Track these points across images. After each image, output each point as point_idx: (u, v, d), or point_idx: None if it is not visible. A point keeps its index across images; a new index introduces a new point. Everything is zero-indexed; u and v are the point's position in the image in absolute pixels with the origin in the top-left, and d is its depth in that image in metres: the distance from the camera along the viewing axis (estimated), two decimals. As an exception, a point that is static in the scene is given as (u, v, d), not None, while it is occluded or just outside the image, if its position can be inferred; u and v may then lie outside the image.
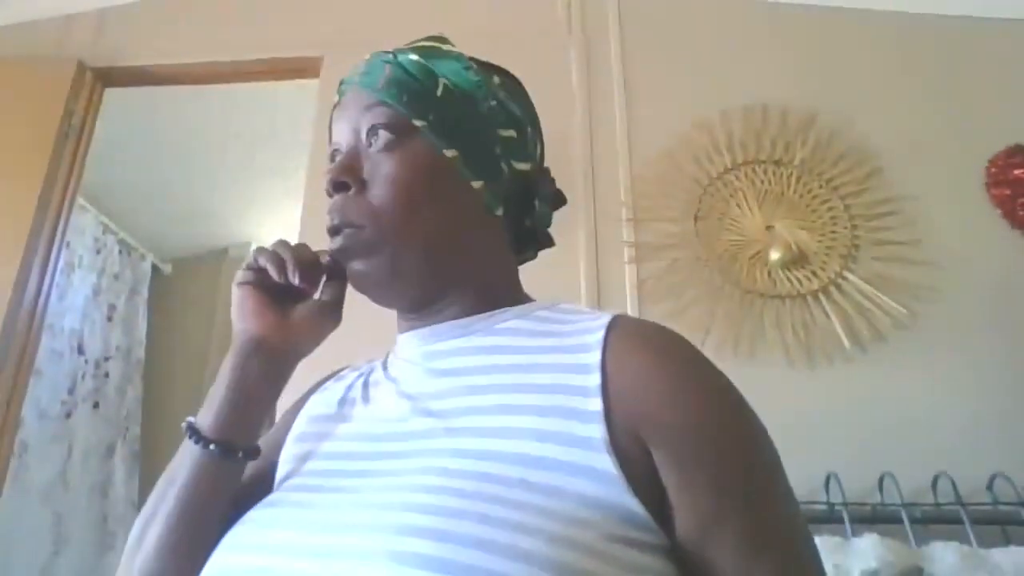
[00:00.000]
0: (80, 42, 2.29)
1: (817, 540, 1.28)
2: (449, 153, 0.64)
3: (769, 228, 1.83)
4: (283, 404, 0.74)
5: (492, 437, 0.51)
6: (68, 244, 2.56)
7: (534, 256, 0.76)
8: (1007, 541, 1.38)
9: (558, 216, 0.74)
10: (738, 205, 1.86)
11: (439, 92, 0.65)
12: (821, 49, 2.05)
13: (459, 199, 0.65)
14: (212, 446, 0.59)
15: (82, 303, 2.96)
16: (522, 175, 0.70)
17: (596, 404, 0.51)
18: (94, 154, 2.27)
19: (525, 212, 0.71)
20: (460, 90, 0.66)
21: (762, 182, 1.88)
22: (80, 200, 2.54)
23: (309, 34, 2.22)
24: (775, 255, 1.78)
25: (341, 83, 0.71)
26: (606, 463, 0.48)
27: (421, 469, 0.51)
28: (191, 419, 0.62)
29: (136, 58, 2.28)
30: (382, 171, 0.63)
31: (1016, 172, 1.84)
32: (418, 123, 0.63)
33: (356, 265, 0.63)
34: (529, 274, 0.73)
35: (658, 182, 1.90)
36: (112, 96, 2.34)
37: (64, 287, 2.83)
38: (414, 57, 0.66)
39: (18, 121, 2.14)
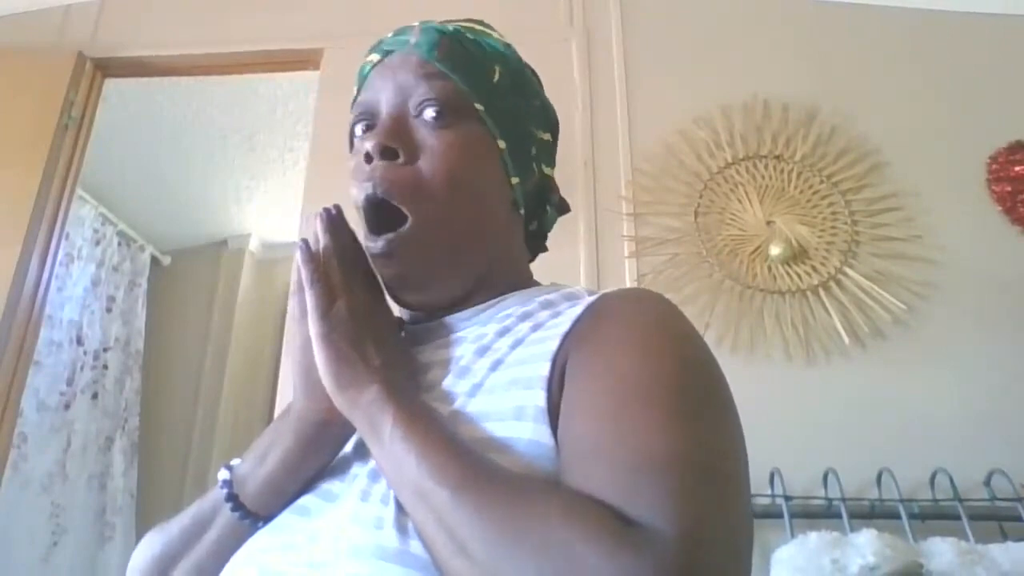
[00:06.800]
0: (80, 32, 2.28)
1: (816, 535, 1.31)
2: (501, 143, 0.62)
3: (769, 223, 1.83)
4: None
5: (462, 423, 0.51)
6: (67, 235, 2.56)
7: (532, 260, 0.75)
8: (1004, 537, 1.38)
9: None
10: (739, 200, 1.86)
11: (496, 78, 0.63)
12: (822, 44, 2.05)
13: (499, 191, 0.63)
14: (260, 523, 0.56)
15: (81, 294, 2.96)
16: (543, 179, 0.69)
17: (545, 369, 0.50)
18: (94, 145, 2.26)
19: (534, 216, 0.70)
20: (513, 81, 0.65)
21: (763, 177, 1.88)
22: (79, 191, 2.53)
23: (310, 26, 2.21)
24: (775, 250, 1.77)
25: (382, 42, 0.65)
26: (540, 399, 0.48)
27: None
28: (228, 476, 0.58)
29: (136, 49, 2.27)
30: (438, 147, 0.58)
31: (1017, 169, 1.83)
32: (479, 105, 0.61)
33: (398, 269, 0.59)
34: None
35: (659, 176, 1.90)
36: (112, 87, 2.33)
37: (63, 278, 2.83)
38: (471, 36, 0.64)
39: (18, 112, 2.13)
